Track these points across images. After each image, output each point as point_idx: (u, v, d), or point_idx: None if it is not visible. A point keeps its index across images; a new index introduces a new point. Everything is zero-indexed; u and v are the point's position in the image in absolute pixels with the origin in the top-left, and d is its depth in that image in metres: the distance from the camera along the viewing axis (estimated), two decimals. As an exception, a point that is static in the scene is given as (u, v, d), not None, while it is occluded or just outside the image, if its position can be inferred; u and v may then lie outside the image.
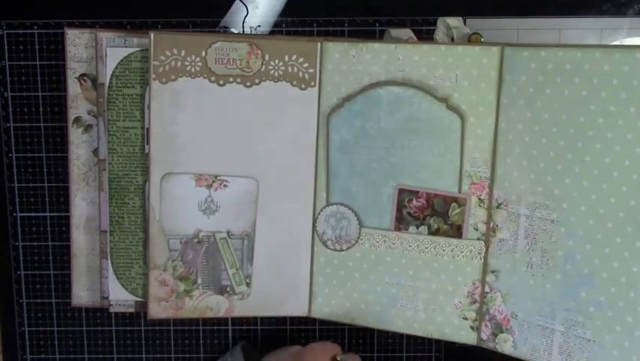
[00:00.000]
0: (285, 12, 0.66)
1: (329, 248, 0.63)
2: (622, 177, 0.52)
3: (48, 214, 0.68)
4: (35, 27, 0.66)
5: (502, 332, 0.60)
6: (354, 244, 0.63)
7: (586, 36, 0.64)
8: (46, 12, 0.66)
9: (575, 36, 0.64)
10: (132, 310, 0.65)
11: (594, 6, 0.65)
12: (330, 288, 0.64)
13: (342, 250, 0.63)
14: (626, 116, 0.52)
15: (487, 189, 0.59)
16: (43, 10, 0.66)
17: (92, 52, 0.63)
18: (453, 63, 0.58)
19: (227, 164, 0.62)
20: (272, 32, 0.66)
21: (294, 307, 0.65)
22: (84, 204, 0.65)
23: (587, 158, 0.54)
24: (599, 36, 0.64)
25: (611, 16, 0.65)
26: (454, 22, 0.60)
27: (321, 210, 0.63)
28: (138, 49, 0.61)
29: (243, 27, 0.66)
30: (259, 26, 0.66)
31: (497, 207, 0.59)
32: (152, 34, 0.59)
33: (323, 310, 0.65)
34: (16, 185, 0.68)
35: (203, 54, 0.60)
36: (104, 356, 0.71)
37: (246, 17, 0.66)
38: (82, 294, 0.67)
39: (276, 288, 0.64)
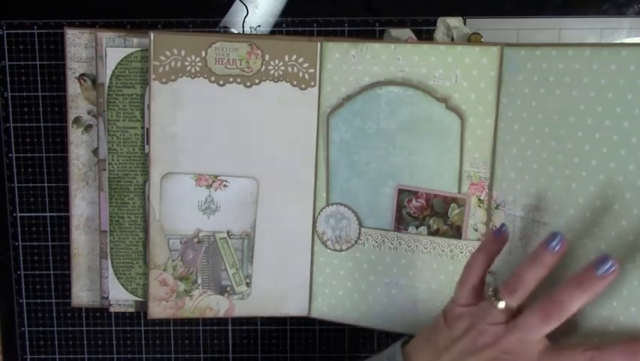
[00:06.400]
0: (285, 12, 0.66)
1: (329, 248, 0.63)
2: (607, 181, 0.52)
3: (48, 214, 0.68)
4: (35, 27, 0.66)
5: (501, 332, 0.60)
6: (353, 244, 0.63)
7: (586, 36, 0.64)
8: (46, 12, 0.66)
9: (575, 36, 0.64)
10: (132, 310, 0.65)
11: (594, 6, 0.65)
12: (330, 288, 0.64)
13: (341, 250, 0.63)
14: (612, 117, 0.51)
15: (487, 190, 0.59)
16: (43, 10, 0.66)
17: (92, 52, 0.63)
18: (453, 63, 0.58)
19: (227, 164, 0.62)
20: (272, 32, 0.66)
21: (294, 307, 0.65)
22: (84, 204, 0.65)
23: (575, 159, 0.53)
24: (599, 36, 0.64)
25: (611, 16, 0.64)
26: (454, 22, 0.60)
27: (321, 211, 0.63)
28: (138, 49, 0.61)
29: (243, 27, 0.66)
30: (259, 26, 0.66)
31: (496, 208, 0.59)
32: (152, 34, 0.59)
33: (323, 310, 0.65)
34: (16, 185, 0.68)
35: (203, 54, 0.60)
36: (104, 356, 0.71)
37: (246, 17, 0.66)
38: (82, 294, 0.67)
39: (275, 288, 0.64)
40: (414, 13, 0.65)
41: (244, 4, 0.66)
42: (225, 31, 0.66)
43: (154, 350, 0.71)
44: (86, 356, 0.71)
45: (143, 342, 0.70)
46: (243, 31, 0.66)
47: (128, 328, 0.70)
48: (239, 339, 0.70)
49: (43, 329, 0.70)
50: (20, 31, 0.66)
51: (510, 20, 0.64)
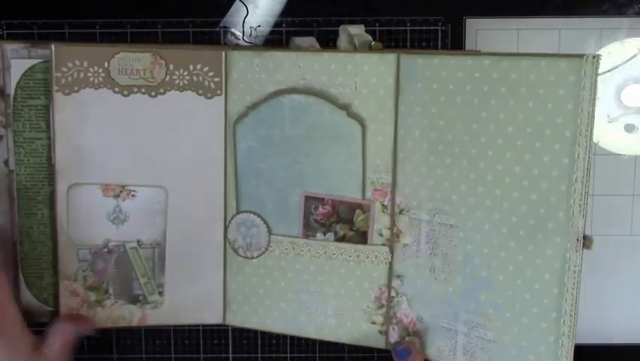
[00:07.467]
0: (285, 12, 0.66)
1: (240, 256, 0.64)
2: (514, 183, 0.53)
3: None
4: (35, 27, 0.66)
5: (409, 335, 0.61)
6: (264, 252, 0.63)
7: (586, 36, 0.65)
8: (46, 12, 0.66)
9: (574, 36, 0.65)
10: (46, 319, 0.65)
11: (594, 6, 0.65)
12: (243, 296, 0.64)
13: (253, 257, 0.63)
14: (515, 124, 0.53)
15: (390, 196, 0.60)
16: (43, 10, 0.66)
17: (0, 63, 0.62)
18: (352, 71, 0.58)
19: (134, 174, 0.62)
20: (272, 32, 0.66)
21: (210, 315, 0.65)
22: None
23: (480, 164, 0.55)
24: (599, 36, 0.65)
25: (611, 16, 0.65)
26: (356, 29, 0.61)
27: (232, 218, 0.63)
28: (41, 60, 0.61)
29: (243, 27, 0.66)
30: (259, 26, 0.66)
31: (400, 213, 0.59)
32: (52, 46, 0.59)
33: (237, 318, 0.65)
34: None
35: (106, 65, 0.60)
36: (104, 356, 0.70)
37: (246, 17, 0.66)
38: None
39: (189, 297, 0.65)
40: (414, 13, 0.65)
41: (244, 4, 0.66)
42: (226, 31, 0.66)
43: (154, 350, 0.70)
44: (85, 356, 0.70)
45: (143, 342, 0.70)
46: (243, 31, 0.66)
47: (127, 328, 0.69)
48: (239, 339, 0.70)
49: (43, 329, 0.69)
50: (20, 32, 0.66)
51: (510, 20, 0.65)
